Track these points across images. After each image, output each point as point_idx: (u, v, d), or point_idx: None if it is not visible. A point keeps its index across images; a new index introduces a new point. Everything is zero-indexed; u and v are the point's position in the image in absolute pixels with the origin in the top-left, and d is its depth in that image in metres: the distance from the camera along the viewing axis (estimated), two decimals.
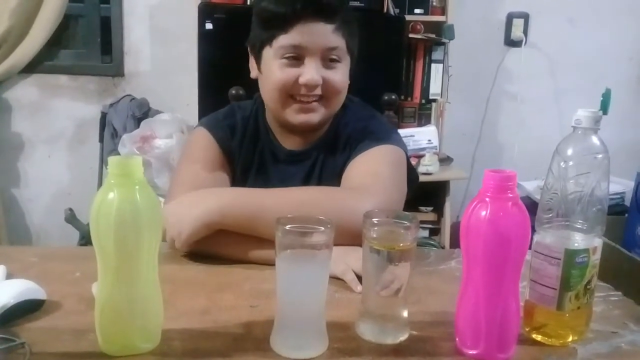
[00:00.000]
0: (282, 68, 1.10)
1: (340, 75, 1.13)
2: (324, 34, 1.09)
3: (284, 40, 1.09)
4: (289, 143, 1.22)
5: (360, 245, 0.76)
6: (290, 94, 1.11)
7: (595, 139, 0.74)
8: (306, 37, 1.08)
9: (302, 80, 1.09)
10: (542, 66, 3.08)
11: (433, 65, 2.80)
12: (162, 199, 2.56)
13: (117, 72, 2.87)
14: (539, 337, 0.76)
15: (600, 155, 0.74)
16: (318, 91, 1.11)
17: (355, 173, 1.12)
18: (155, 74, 2.88)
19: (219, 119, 1.25)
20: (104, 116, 2.67)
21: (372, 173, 1.09)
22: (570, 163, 0.73)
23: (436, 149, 2.70)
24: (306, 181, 1.20)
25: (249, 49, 1.19)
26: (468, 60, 2.92)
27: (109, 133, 2.65)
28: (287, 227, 0.70)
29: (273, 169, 1.22)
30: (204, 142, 1.21)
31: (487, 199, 0.68)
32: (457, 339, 0.73)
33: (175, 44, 2.81)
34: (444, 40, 2.73)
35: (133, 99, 2.71)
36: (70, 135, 2.92)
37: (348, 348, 0.72)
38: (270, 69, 1.12)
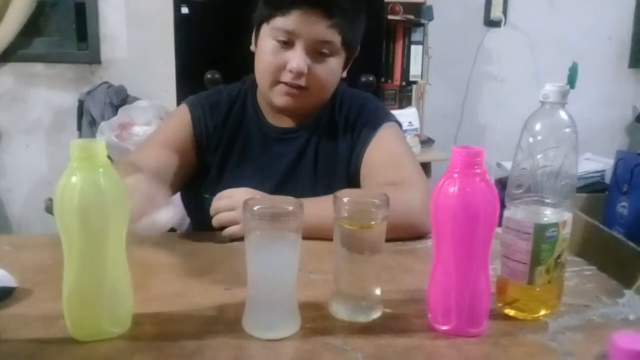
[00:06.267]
0: (273, 50, 1.11)
1: (327, 71, 1.14)
2: (318, 26, 1.09)
3: (279, 22, 1.10)
4: (280, 122, 1.22)
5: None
6: (277, 78, 1.13)
7: (563, 113, 0.74)
8: (300, 25, 1.08)
9: (288, 66, 1.10)
10: (522, 46, 3.09)
11: (413, 47, 2.78)
12: None
13: (94, 59, 2.82)
14: (511, 312, 0.77)
15: (568, 129, 0.74)
16: (302, 82, 1.12)
17: (377, 167, 1.16)
18: (132, 60, 2.83)
19: (201, 98, 1.26)
20: (81, 104, 2.63)
21: (395, 164, 1.15)
22: (539, 138, 0.74)
23: (417, 131, 2.70)
24: (297, 161, 1.21)
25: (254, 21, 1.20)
26: (448, 41, 2.91)
27: (86, 121, 2.61)
28: (256, 208, 0.70)
29: (260, 148, 1.22)
30: (178, 122, 1.22)
31: (455, 175, 0.68)
32: (429, 315, 0.73)
33: (152, 29, 2.76)
34: (423, 21, 2.71)
35: (110, 86, 2.67)
36: (47, 124, 2.87)
37: (320, 327, 0.72)
38: (263, 47, 1.13)
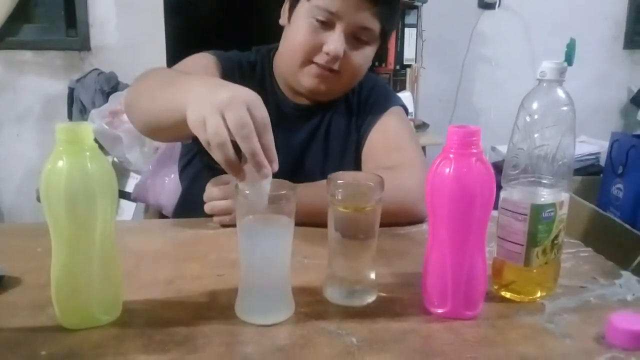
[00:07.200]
0: (310, 30, 1.07)
1: (362, 58, 1.11)
2: (362, 12, 1.06)
3: (322, 1, 1.06)
4: (295, 98, 1.19)
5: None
6: (310, 58, 1.09)
7: (560, 92, 0.73)
8: (345, 8, 1.05)
9: (325, 48, 1.07)
10: (516, 28, 3.06)
11: (407, 30, 2.75)
12: (137, 176, 2.47)
13: (83, 46, 2.79)
14: (507, 294, 0.76)
15: (565, 108, 0.72)
16: (336, 66, 1.09)
17: (377, 150, 1.14)
18: (122, 46, 2.79)
19: (225, 54, 1.19)
20: (71, 92, 2.60)
21: (395, 148, 1.12)
22: (536, 116, 0.72)
23: (412, 115, 2.67)
24: (309, 141, 1.18)
25: None
26: (442, 24, 2.88)
27: (77, 109, 2.58)
28: (248, 192, 0.68)
29: (276, 122, 1.19)
30: (203, 66, 1.12)
31: (451, 155, 0.66)
32: (424, 299, 0.72)
33: (142, 14, 2.72)
34: (417, 3, 2.68)
35: (101, 73, 2.63)
36: (38, 112, 2.84)
37: (315, 312, 0.71)
38: (299, 25, 1.09)
